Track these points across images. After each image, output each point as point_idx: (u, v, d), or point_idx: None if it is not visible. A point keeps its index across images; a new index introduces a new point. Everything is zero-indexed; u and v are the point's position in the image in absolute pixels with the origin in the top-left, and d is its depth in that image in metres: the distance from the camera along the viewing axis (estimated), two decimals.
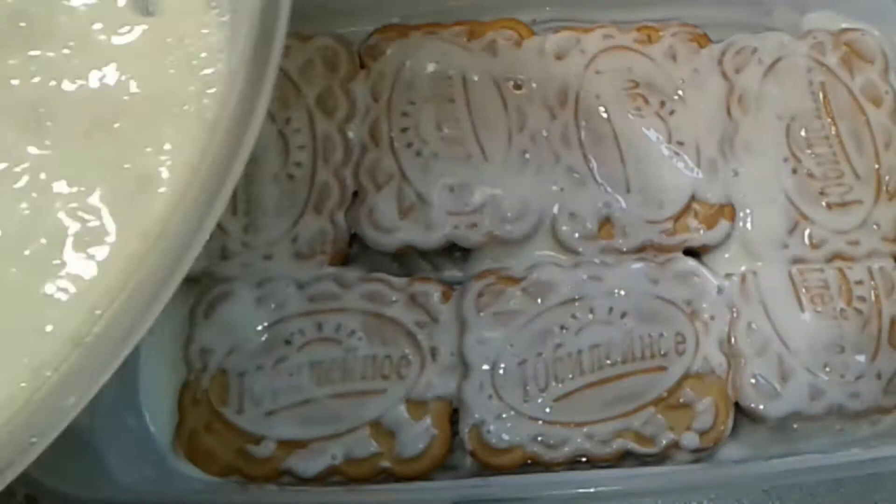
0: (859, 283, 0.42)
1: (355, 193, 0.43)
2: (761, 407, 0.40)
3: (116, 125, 0.26)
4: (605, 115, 0.44)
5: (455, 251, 0.44)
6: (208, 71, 0.27)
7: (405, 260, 0.44)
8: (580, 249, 0.42)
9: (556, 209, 0.43)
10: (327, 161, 0.43)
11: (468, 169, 0.43)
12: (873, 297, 0.42)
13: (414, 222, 0.42)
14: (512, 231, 0.42)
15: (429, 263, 0.44)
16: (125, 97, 0.27)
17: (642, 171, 0.43)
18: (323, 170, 0.43)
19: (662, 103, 0.45)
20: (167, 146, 0.26)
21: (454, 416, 0.40)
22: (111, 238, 0.25)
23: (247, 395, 0.39)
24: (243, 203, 0.43)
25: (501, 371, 0.40)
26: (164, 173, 0.26)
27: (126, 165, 0.26)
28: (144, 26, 0.27)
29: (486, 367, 0.40)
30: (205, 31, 0.28)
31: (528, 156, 0.43)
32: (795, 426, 0.41)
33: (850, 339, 0.41)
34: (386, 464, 0.39)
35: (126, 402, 0.40)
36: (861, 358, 0.41)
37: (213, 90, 0.27)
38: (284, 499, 0.39)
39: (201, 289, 0.41)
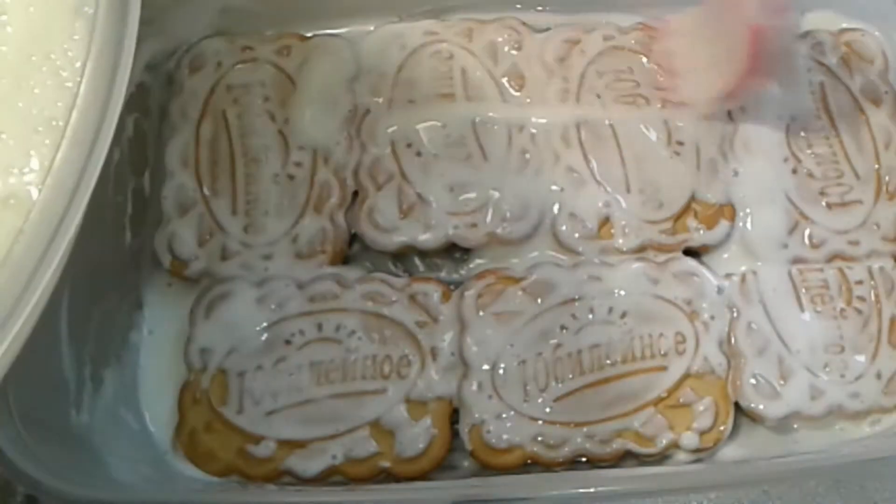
0: (859, 283, 0.42)
1: (355, 193, 0.43)
2: (761, 407, 0.40)
3: None
4: (605, 116, 0.44)
5: (455, 251, 0.44)
6: (79, 81, 0.26)
7: (405, 260, 0.44)
8: (580, 249, 0.42)
9: (556, 209, 0.43)
10: (327, 161, 0.43)
11: (468, 169, 0.43)
12: (873, 297, 0.42)
13: (414, 222, 0.42)
14: (512, 231, 0.42)
15: (429, 263, 0.44)
16: None
17: (642, 171, 0.43)
18: (323, 170, 0.43)
19: (662, 103, 0.45)
20: (35, 165, 0.25)
21: (454, 416, 0.40)
22: None
23: (247, 395, 0.39)
24: (243, 203, 0.43)
25: (501, 371, 0.40)
26: (35, 193, 0.24)
27: None
28: (3, 47, 0.26)
29: (486, 367, 0.40)
30: (75, 39, 0.26)
31: (528, 156, 0.43)
32: (795, 426, 0.41)
33: (850, 339, 0.41)
34: (386, 464, 0.39)
35: (126, 402, 0.40)
36: (861, 358, 0.41)
37: (80, 100, 0.25)
38: (284, 499, 0.39)
39: (201, 289, 0.41)
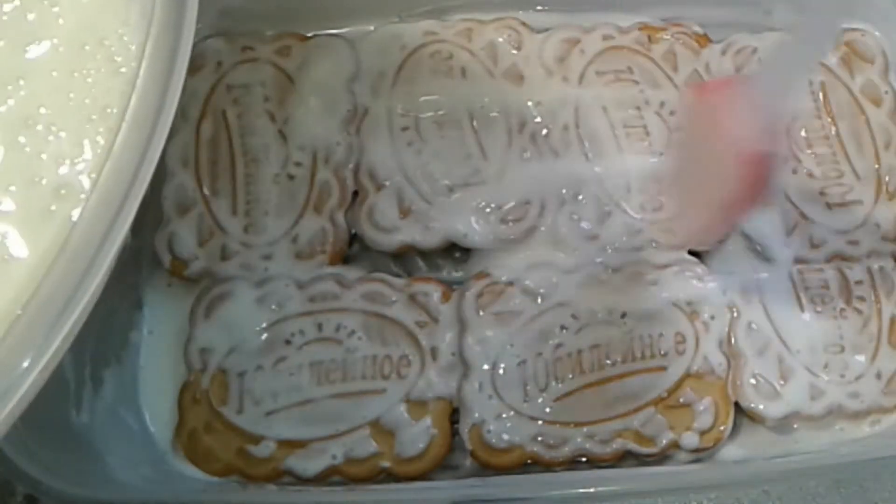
0: (859, 283, 0.42)
1: (355, 193, 0.43)
2: (761, 407, 0.40)
3: (22, 140, 0.25)
4: (605, 115, 0.44)
5: (455, 251, 0.44)
6: (133, 65, 0.25)
7: (405, 260, 0.44)
8: (580, 249, 0.42)
9: (556, 209, 0.43)
10: (327, 161, 0.43)
11: (468, 168, 0.43)
12: (873, 297, 0.42)
13: (414, 222, 0.42)
14: (512, 231, 0.42)
15: (429, 263, 0.44)
16: (42, 110, 0.25)
17: (642, 171, 0.43)
18: (323, 170, 0.43)
19: (662, 103, 0.45)
20: (88, 154, 0.25)
21: (454, 415, 0.40)
22: (23, 252, 0.24)
23: (247, 395, 0.39)
24: (243, 203, 0.43)
25: (501, 371, 0.40)
26: (86, 182, 0.24)
27: (42, 180, 0.24)
28: (55, 39, 0.26)
29: (486, 367, 0.40)
30: (129, 23, 0.26)
31: (527, 155, 0.43)
32: (795, 426, 0.41)
33: (850, 339, 0.41)
34: (386, 464, 0.39)
35: (126, 402, 0.40)
36: (861, 358, 0.41)
37: (135, 86, 0.25)
38: (284, 499, 0.39)
39: (201, 289, 0.41)
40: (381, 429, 0.39)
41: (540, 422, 0.39)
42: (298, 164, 0.43)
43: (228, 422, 0.39)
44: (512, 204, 0.42)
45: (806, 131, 0.44)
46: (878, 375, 0.41)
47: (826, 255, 0.43)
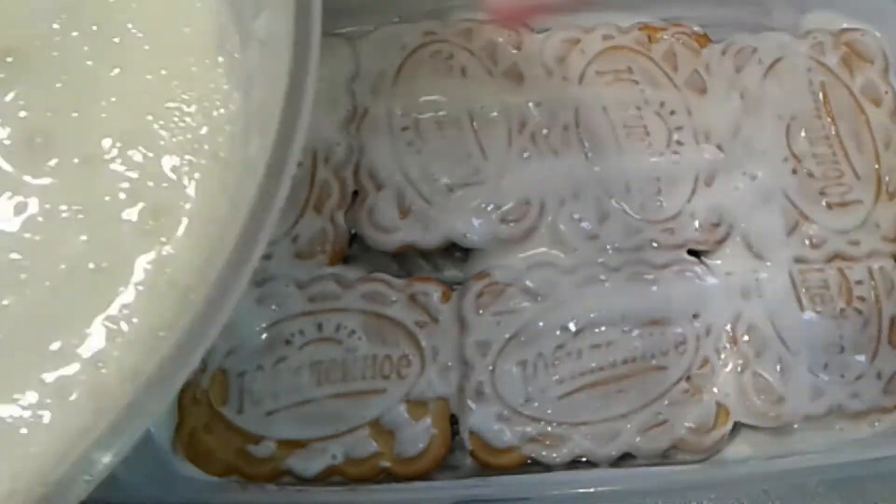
0: (859, 283, 0.42)
1: (355, 193, 0.43)
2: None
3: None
4: (605, 115, 0.44)
5: (455, 251, 0.44)
6: (221, 111, 0.27)
7: (405, 260, 0.44)
8: (580, 249, 0.42)
9: (556, 209, 0.43)
10: (327, 161, 0.43)
11: (468, 168, 0.43)
12: (873, 297, 0.42)
13: (414, 222, 0.42)
14: (512, 231, 0.42)
15: (429, 263, 0.44)
16: None
17: (642, 171, 0.43)
18: (323, 170, 0.43)
19: (662, 103, 0.45)
20: (181, 180, 0.26)
21: (454, 415, 0.40)
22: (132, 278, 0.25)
23: (247, 395, 0.39)
24: None
25: (501, 371, 0.40)
26: (187, 205, 0.26)
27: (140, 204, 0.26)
28: (150, 76, 0.27)
29: (486, 366, 0.40)
30: (219, 70, 0.27)
31: (527, 155, 0.43)
32: (795, 426, 0.41)
33: (850, 339, 0.41)
34: (386, 464, 0.39)
35: None
36: (861, 358, 0.41)
37: (227, 129, 0.26)
38: (284, 499, 0.39)
39: None
40: (381, 429, 0.39)
41: (540, 422, 0.39)
42: (298, 164, 0.43)
43: (228, 422, 0.39)
44: (512, 204, 0.42)
45: (806, 131, 0.44)
46: (879, 375, 0.41)
47: (826, 255, 0.43)
